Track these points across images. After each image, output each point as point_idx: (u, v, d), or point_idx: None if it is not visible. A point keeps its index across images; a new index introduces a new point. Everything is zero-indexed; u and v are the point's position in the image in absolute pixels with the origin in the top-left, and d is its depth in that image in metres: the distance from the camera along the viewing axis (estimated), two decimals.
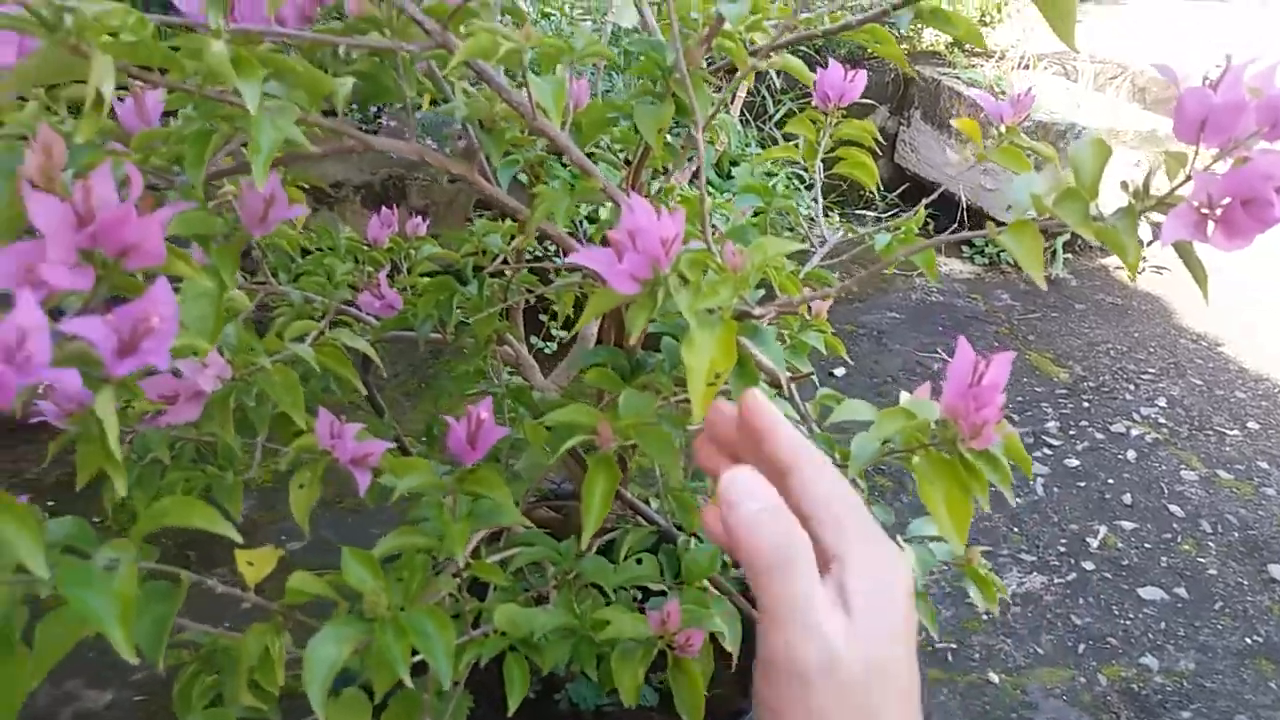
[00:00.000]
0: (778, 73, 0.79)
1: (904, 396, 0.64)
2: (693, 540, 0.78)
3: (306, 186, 0.86)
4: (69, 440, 0.63)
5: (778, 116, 2.74)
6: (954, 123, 0.87)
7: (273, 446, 0.86)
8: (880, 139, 1.00)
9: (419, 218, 1.14)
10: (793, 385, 0.73)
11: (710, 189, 2.49)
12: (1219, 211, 0.51)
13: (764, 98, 2.78)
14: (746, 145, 2.64)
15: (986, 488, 0.56)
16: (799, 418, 0.73)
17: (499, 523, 0.67)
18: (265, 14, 0.57)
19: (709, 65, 0.83)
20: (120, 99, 0.64)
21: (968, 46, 3.23)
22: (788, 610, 0.33)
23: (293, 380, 0.69)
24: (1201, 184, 0.50)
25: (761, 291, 0.69)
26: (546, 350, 2.18)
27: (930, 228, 3.01)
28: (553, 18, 2.44)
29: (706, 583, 0.75)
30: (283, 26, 0.66)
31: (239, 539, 0.52)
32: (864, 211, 3.05)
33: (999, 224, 0.60)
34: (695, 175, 0.67)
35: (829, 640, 0.33)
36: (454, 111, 0.66)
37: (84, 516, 0.53)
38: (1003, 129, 0.85)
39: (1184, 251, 0.54)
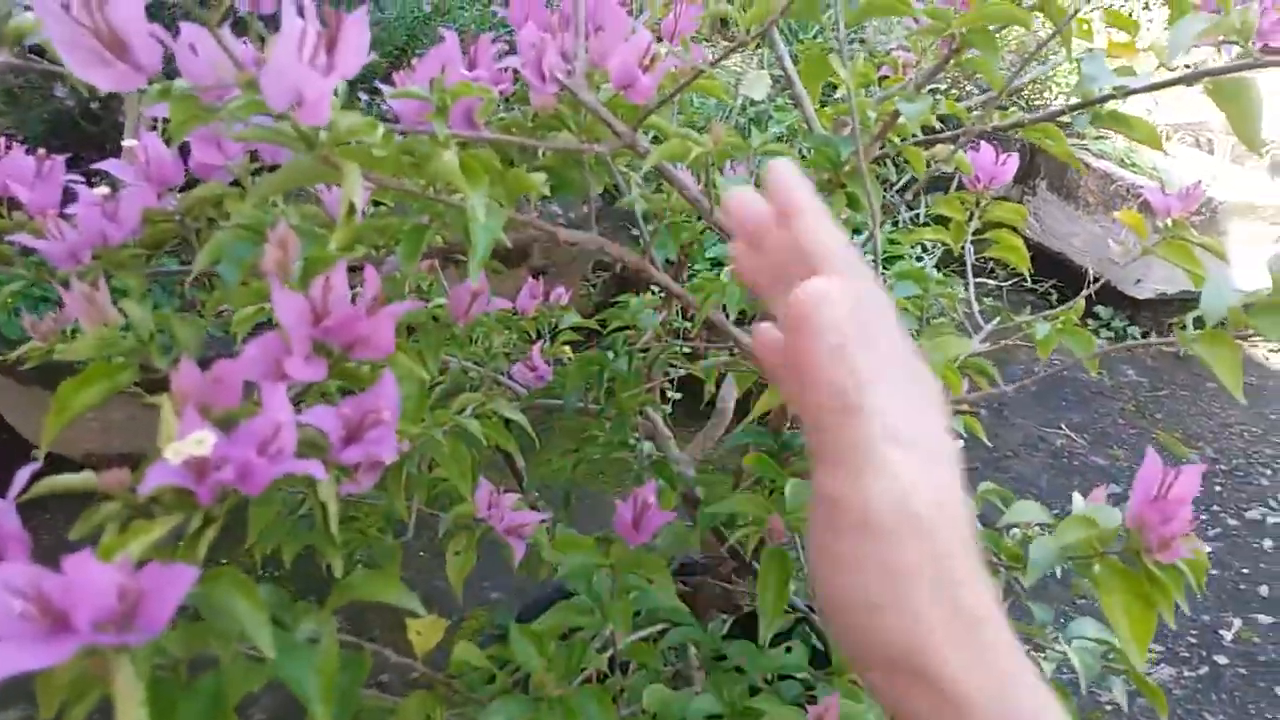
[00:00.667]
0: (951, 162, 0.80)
1: (1077, 501, 0.63)
2: None
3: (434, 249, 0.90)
4: (241, 500, 0.67)
5: (899, 184, 2.73)
6: (1117, 215, 0.86)
7: (428, 512, 0.89)
8: (1025, 214, 1.00)
9: (560, 288, 1.18)
10: None
11: None
12: None
13: (889, 166, 2.78)
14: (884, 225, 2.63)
15: (1172, 601, 0.55)
16: None
17: (656, 606, 0.68)
18: (472, 118, 0.61)
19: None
20: (328, 186, 0.69)
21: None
22: (859, 453, 0.31)
23: (462, 453, 0.72)
24: None
25: None
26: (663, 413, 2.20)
27: (1053, 298, 2.95)
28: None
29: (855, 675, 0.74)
30: (472, 123, 0.70)
31: (423, 611, 0.54)
32: (985, 280, 3.01)
33: (1134, 301, 0.59)
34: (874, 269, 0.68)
35: (900, 483, 0.31)
36: (633, 204, 0.69)
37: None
38: (1169, 222, 0.84)
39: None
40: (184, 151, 0.66)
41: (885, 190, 2.78)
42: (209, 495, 0.40)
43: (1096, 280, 2.81)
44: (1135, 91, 0.66)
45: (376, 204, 0.76)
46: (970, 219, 0.98)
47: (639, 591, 0.69)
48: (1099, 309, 2.87)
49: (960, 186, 0.95)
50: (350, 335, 0.49)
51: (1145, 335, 2.89)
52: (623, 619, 0.62)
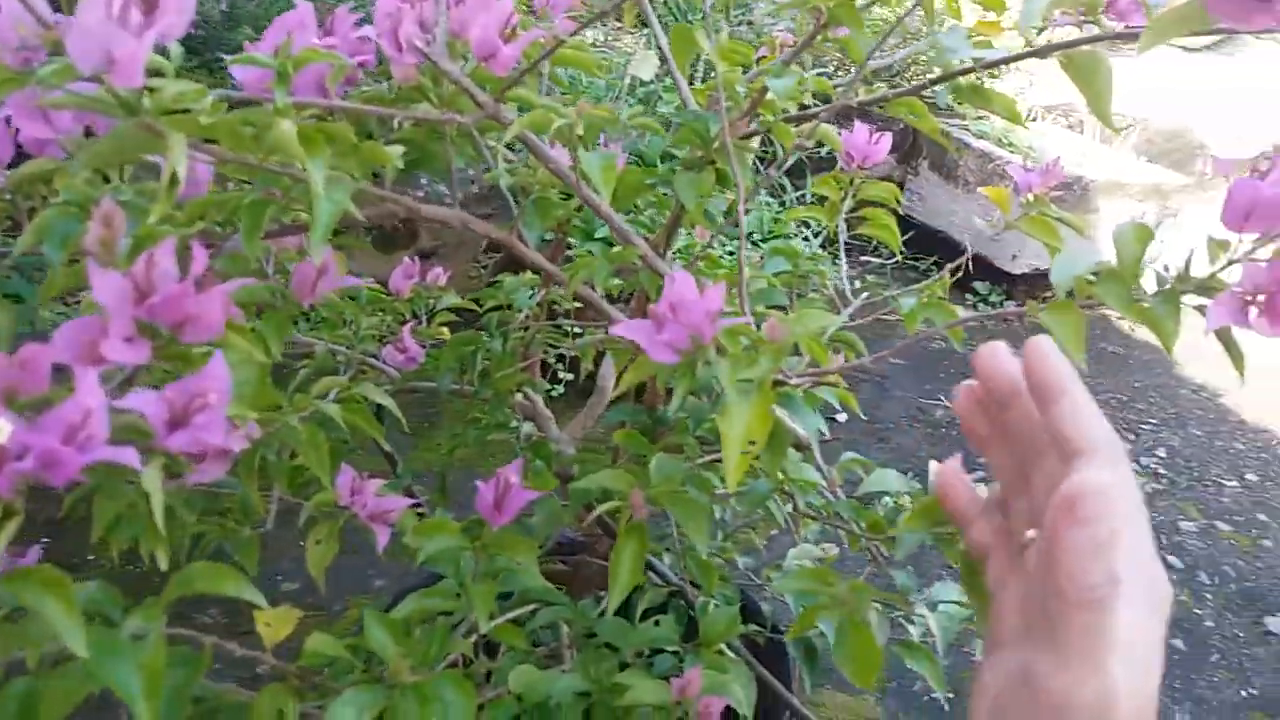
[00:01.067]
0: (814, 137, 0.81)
1: (933, 467, 0.65)
2: (711, 602, 0.78)
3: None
4: (85, 493, 0.63)
5: (787, 165, 2.77)
6: (983, 190, 0.88)
7: (290, 499, 0.86)
8: (898, 196, 1.01)
9: (439, 268, 1.15)
10: (816, 450, 0.73)
11: (724, 238, 2.51)
12: (1262, 299, 0.52)
13: (775, 148, 2.81)
14: (757, 194, 2.66)
15: None
16: (824, 482, 0.74)
17: (522, 585, 0.67)
18: (324, 86, 0.58)
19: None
20: None
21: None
22: (1082, 652, 0.31)
23: (320, 439, 0.69)
24: (1250, 274, 0.51)
25: (796, 358, 0.70)
26: (554, 394, 2.18)
27: (934, 273, 3.03)
28: (570, 69, 2.47)
29: (724, 646, 0.75)
30: (327, 94, 0.67)
31: (264, 603, 0.52)
32: (870, 258, 3.08)
33: (1010, 276, 0.61)
34: (739, 246, 0.67)
35: (1111, 691, 0.31)
36: (497, 179, 0.67)
37: (70, 548, 0.53)
38: (1031, 198, 0.86)
39: (1224, 337, 0.55)
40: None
41: (769, 170, 2.82)
42: (7, 486, 0.37)
43: (976, 257, 2.90)
44: (992, 64, 0.67)
45: (246, 182, 0.72)
46: (845, 198, 0.99)
47: (507, 573, 0.68)
48: (976, 284, 2.97)
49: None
50: (178, 315, 0.46)
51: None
52: (484, 602, 0.60)
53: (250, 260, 0.54)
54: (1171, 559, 2.04)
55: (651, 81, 2.29)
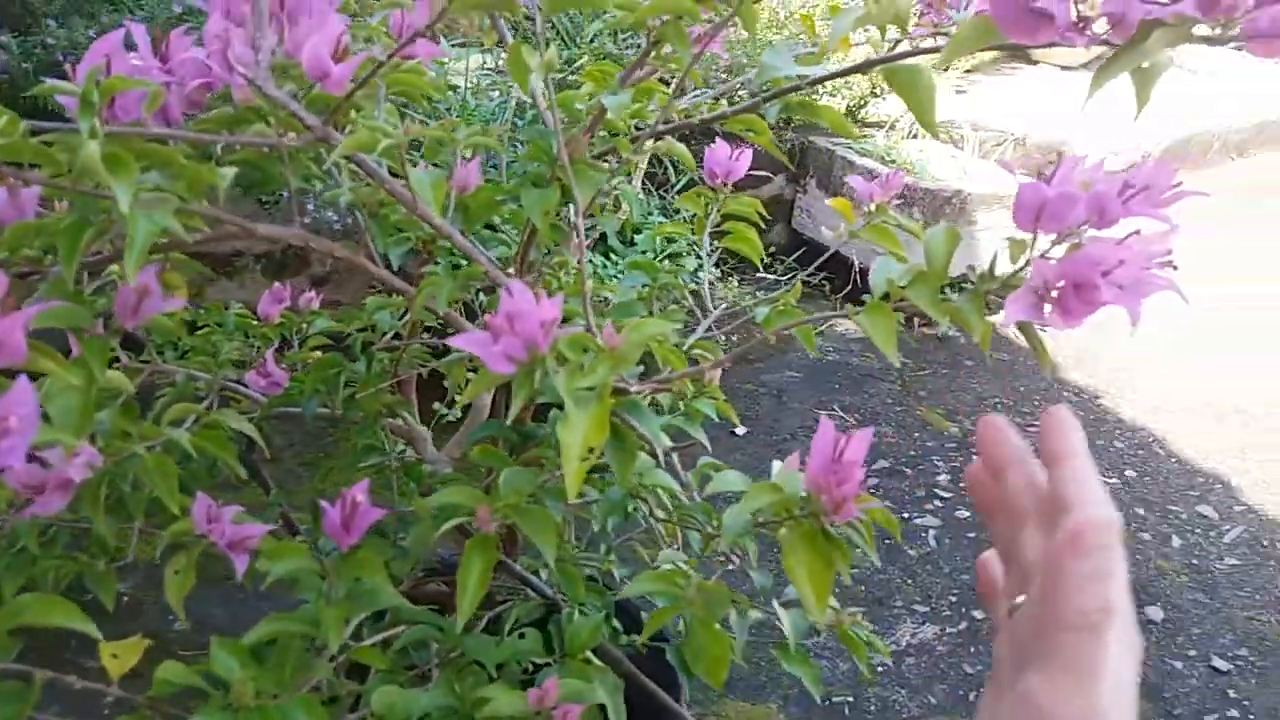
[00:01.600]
0: (665, 154, 0.83)
1: (775, 467, 0.67)
2: (576, 612, 0.78)
3: (204, 255, 0.86)
4: None
5: (679, 186, 2.81)
6: (828, 202, 0.92)
7: (151, 531, 0.84)
8: (768, 210, 1.04)
9: (312, 292, 1.14)
10: (673, 455, 0.75)
11: (614, 255, 2.53)
12: (1055, 294, 0.55)
13: (666, 169, 2.86)
14: (649, 214, 2.69)
15: (849, 558, 0.58)
16: (680, 487, 0.75)
17: (378, 606, 0.67)
18: (142, 112, 0.57)
19: (606, 144, 0.86)
20: None
21: (861, 116, 3.37)
22: (1074, 677, 0.33)
23: (168, 466, 0.68)
24: (1039, 270, 0.54)
25: (643, 368, 0.72)
26: (451, 418, 2.16)
27: (827, 289, 3.12)
28: (459, 90, 2.47)
29: (590, 654, 0.75)
30: (167, 113, 0.66)
31: (98, 635, 0.51)
32: (765, 275, 3.14)
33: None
34: (579, 259, 0.69)
35: (1099, 704, 0.32)
36: (338, 198, 0.67)
37: None
38: (873, 207, 0.90)
39: (1025, 330, 0.59)
40: None
41: (664, 191, 2.86)
42: None
43: (864, 270, 2.95)
44: (817, 80, 0.70)
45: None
46: (710, 213, 1.01)
47: (367, 594, 0.68)
48: (865, 296, 3.05)
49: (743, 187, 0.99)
50: None
51: (908, 319, 3.10)
52: (333, 624, 0.60)
53: (68, 285, 0.53)
54: None
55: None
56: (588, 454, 0.57)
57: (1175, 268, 0.57)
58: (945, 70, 3.76)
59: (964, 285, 0.60)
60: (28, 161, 0.49)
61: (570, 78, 2.44)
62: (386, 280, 0.72)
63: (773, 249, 3.24)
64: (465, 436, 1.11)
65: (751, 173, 1.01)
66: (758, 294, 2.96)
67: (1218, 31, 0.54)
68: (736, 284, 2.89)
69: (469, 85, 2.51)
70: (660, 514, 0.76)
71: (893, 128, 3.33)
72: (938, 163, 3.10)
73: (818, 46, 0.81)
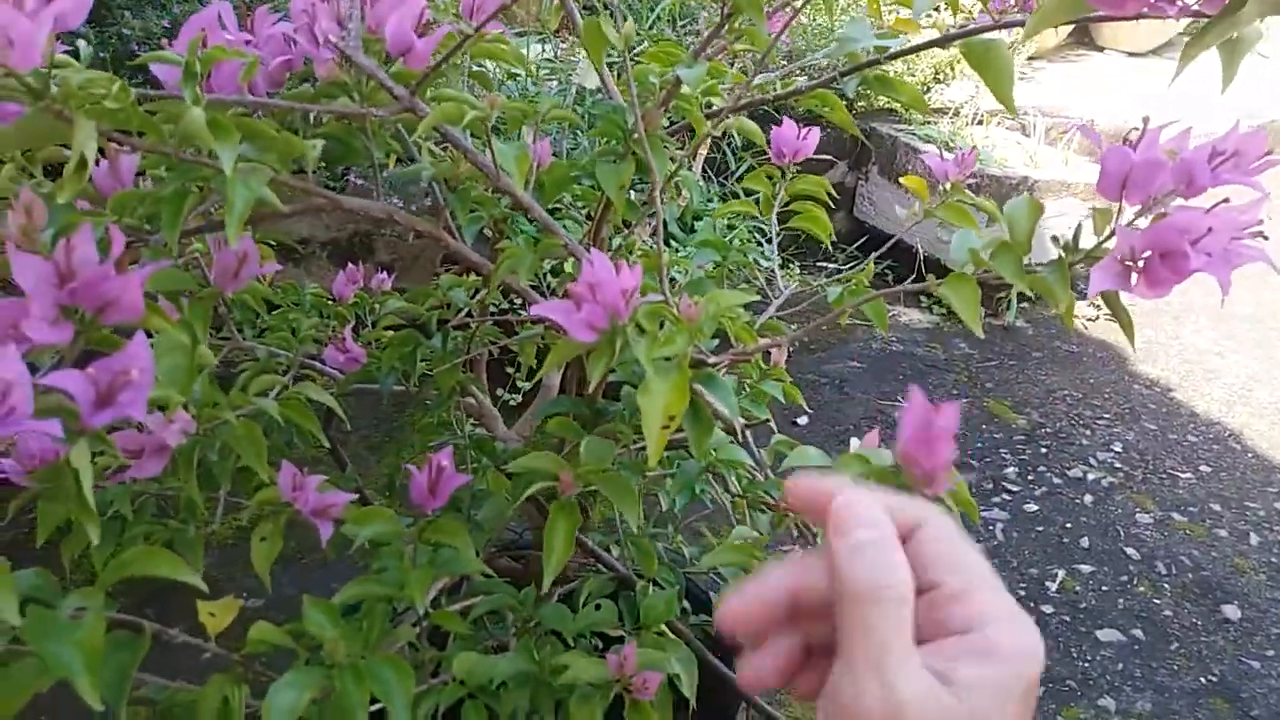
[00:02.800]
0: (737, 131, 0.83)
1: (854, 443, 0.67)
2: (651, 586, 0.79)
3: (273, 244, 0.88)
4: (30, 498, 0.64)
5: (739, 173, 2.81)
6: (902, 180, 0.91)
7: (236, 500, 0.86)
8: (834, 194, 1.04)
9: (384, 273, 1.17)
10: (748, 432, 0.75)
11: (674, 242, 2.54)
12: (1141, 264, 0.54)
13: (725, 155, 2.85)
14: (709, 200, 2.69)
15: None
16: (754, 463, 0.75)
17: (459, 571, 0.68)
18: (238, 83, 0.59)
19: (670, 126, 0.86)
20: (97, 162, 0.66)
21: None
22: (864, 654, 0.29)
23: (256, 434, 0.70)
24: (1124, 238, 0.54)
25: (717, 341, 0.72)
26: (511, 402, 2.19)
27: (890, 279, 3.08)
28: (519, 79, 2.49)
29: (664, 627, 0.76)
30: (252, 92, 0.68)
31: (204, 587, 0.53)
32: (825, 264, 3.12)
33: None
34: (655, 232, 0.70)
35: (899, 700, 0.28)
36: (421, 172, 0.68)
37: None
38: (948, 186, 0.89)
39: (1111, 301, 0.58)
40: None
41: (724, 179, 2.85)
42: None
43: (928, 259, 2.93)
44: (895, 55, 0.70)
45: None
46: (777, 193, 1.01)
47: (448, 562, 0.69)
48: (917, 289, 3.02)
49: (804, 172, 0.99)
50: (98, 297, 0.47)
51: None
52: (419, 585, 0.62)
53: (171, 251, 0.55)
54: (1129, 550, 2.08)
55: (599, 91, 2.32)
56: (668, 422, 0.57)
57: (1266, 237, 0.56)
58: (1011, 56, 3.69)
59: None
60: (135, 130, 0.51)
61: (643, 65, 2.44)
62: (463, 254, 0.74)
63: (833, 238, 3.22)
64: (535, 413, 1.13)
65: (813, 158, 1.00)
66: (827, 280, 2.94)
67: None
68: (798, 271, 2.87)
69: (529, 73, 2.53)
70: (733, 490, 0.76)
71: (957, 114, 3.28)
72: (1003, 149, 3.05)
73: (886, 30, 0.80)
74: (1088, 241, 0.58)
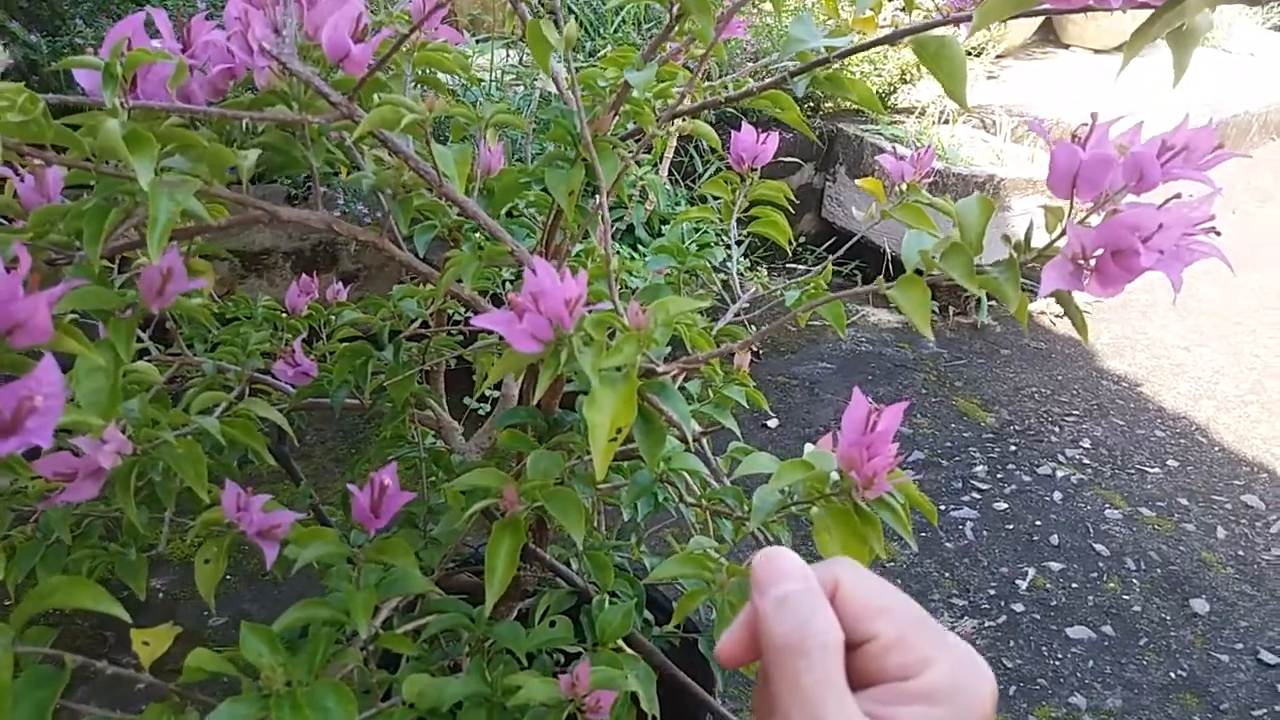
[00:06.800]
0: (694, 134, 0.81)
1: (807, 448, 0.65)
2: (609, 599, 0.77)
3: (235, 254, 0.86)
4: None
5: (707, 175, 2.80)
6: (858, 183, 0.90)
7: (185, 521, 0.84)
8: (801, 196, 1.03)
9: (339, 284, 1.14)
10: (704, 439, 0.74)
11: (642, 248, 2.52)
12: (1092, 262, 0.53)
13: (692, 157, 2.84)
14: (676, 203, 2.68)
15: (880, 535, 0.57)
16: (709, 471, 0.74)
17: (407, 591, 0.66)
18: (167, 90, 0.57)
19: (631, 130, 0.85)
20: (20, 177, 0.64)
21: (891, 103, 3.33)
22: (798, 705, 0.29)
23: (197, 454, 0.68)
24: (1075, 236, 0.53)
25: (670, 349, 0.70)
26: (481, 410, 2.17)
27: (859, 279, 3.09)
28: (483, 84, 2.47)
29: (621, 643, 0.74)
30: (190, 101, 0.66)
31: (127, 618, 0.51)
32: (794, 265, 3.12)
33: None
34: (604, 237, 0.68)
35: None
36: (361, 181, 0.66)
37: None
38: (904, 187, 0.88)
39: (1064, 300, 0.57)
40: None
41: (691, 182, 2.84)
42: None
43: (895, 259, 2.93)
44: (845, 53, 0.69)
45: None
46: (737, 198, 1.00)
47: (395, 577, 0.67)
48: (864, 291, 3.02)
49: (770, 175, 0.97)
50: (6, 319, 0.45)
51: (943, 308, 3.06)
52: (362, 609, 0.59)
53: (94, 268, 0.53)
54: (1099, 546, 2.08)
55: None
56: (615, 435, 0.56)
57: (1219, 233, 0.55)
58: (978, 55, 3.71)
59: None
60: (49, 143, 0.48)
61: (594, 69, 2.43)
62: (410, 263, 0.72)
63: (803, 238, 3.22)
64: (493, 423, 1.11)
65: (780, 160, 1.00)
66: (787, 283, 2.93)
67: None
68: (765, 273, 2.86)
69: (493, 79, 2.51)
70: (690, 499, 0.75)
71: (923, 113, 3.30)
72: (970, 148, 3.06)
73: (841, 27, 0.79)
74: (1043, 239, 0.57)
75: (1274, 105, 4.69)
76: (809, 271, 3.08)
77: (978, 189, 2.82)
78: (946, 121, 3.22)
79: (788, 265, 3.11)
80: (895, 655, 0.30)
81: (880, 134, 2.99)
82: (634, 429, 0.62)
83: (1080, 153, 0.52)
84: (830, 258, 0.91)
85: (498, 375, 0.58)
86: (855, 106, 3.25)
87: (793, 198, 1.01)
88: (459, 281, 0.70)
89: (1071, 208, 0.55)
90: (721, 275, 1.18)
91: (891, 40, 0.68)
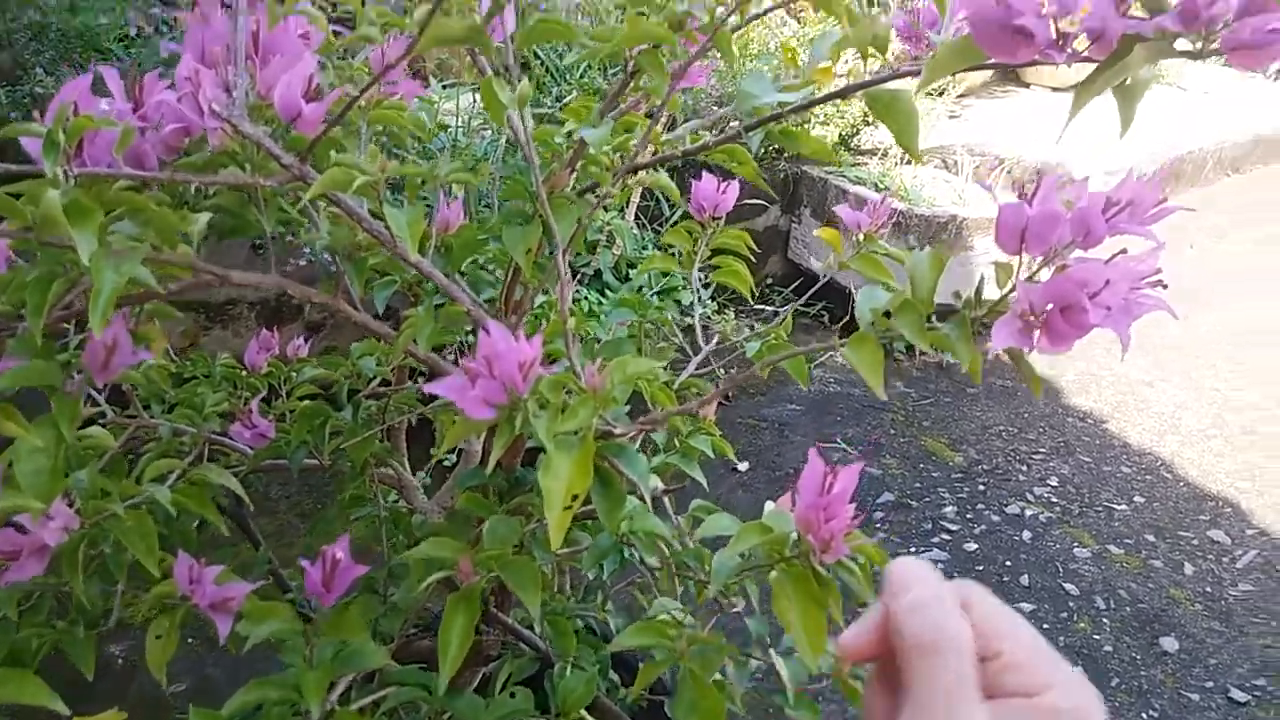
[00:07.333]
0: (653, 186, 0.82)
1: (768, 506, 0.65)
2: (569, 667, 0.76)
3: (194, 306, 0.84)
4: None
5: (674, 218, 2.81)
6: (816, 232, 0.91)
7: (141, 593, 0.82)
8: (769, 238, 1.03)
9: (301, 339, 1.13)
10: (664, 498, 0.73)
11: (610, 292, 2.53)
12: (1042, 318, 0.53)
13: (659, 201, 2.86)
14: (644, 247, 2.69)
15: (839, 598, 0.56)
16: (671, 531, 0.73)
17: (363, 668, 0.64)
18: (114, 156, 0.57)
19: (588, 182, 0.85)
20: None
21: (854, 144, 3.38)
22: (931, 701, 0.32)
23: (147, 526, 0.66)
24: (1023, 293, 0.53)
25: (628, 407, 0.70)
26: (448, 461, 2.14)
27: (826, 319, 3.11)
28: (450, 130, 2.48)
29: (584, 712, 0.73)
30: (142, 161, 0.65)
31: (65, 710, 0.49)
32: (762, 306, 3.13)
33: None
34: (562, 298, 0.67)
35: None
36: (312, 241, 0.66)
37: None
38: (861, 236, 0.89)
39: (1015, 356, 0.57)
40: None
41: (658, 225, 2.86)
42: None
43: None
44: (799, 108, 0.69)
45: None
46: (699, 247, 1.00)
47: (351, 651, 0.66)
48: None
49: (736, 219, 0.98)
50: None
51: (908, 349, 3.08)
52: (315, 690, 0.58)
53: (36, 340, 0.52)
54: (1068, 586, 2.08)
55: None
56: (571, 502, 0.55)
57: (1165, 286, 0.56)
58: (940, 95, 3.78)
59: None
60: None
61: (560, 114, 2.46)
62: (366, 324, 0.71)
63: (770, 279, 3.24)
64: (455, 482, 1.09)
65: (746, 203, 1.00)
66: (755, 325, 2.95)
67: (1199, 45, 0.53)
68: (733, 316, 2.87)
69: (461, 125, 2.52)
70: (654, 560, 0.74)
71: (885, 155, 3.34)
72: (932, 188, 3.11)
73: (799, 77, 0.80)
74: (996, 292, 0.57)
75: (1228, 142, 4.81)
76: (777, 313, 3.08)
77: (940, 229, 2.86)
78: (909, 163, 3.27)
79: (755, 307, 3.12)
80: (1017, 675, 0.32)
81: (844, 176, 3.03)
82: (592, 491, 0.61)
83: (1027, 209, 0.52)
84: (795, 304, 0.91)
85: (453, 441, 0.58)
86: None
87: (754, 246, 1.02)
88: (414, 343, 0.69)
89: (1020, 264, 0.55)
90: (689, 322, 1.18)
91: (843, 95, 0.69)
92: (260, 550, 1.00)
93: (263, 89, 0.65)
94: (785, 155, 3.19)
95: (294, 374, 1.08)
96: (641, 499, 0.73)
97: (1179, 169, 4.82)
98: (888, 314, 0.59)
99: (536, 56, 2.94)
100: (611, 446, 0.62)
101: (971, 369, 0.57)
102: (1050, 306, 0.52)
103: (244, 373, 1.06)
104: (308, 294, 0.67)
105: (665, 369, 0.95)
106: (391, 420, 0.93)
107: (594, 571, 0.86)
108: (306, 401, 1.01)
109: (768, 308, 3.13)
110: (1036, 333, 0.53)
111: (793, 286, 3.20)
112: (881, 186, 3.01)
